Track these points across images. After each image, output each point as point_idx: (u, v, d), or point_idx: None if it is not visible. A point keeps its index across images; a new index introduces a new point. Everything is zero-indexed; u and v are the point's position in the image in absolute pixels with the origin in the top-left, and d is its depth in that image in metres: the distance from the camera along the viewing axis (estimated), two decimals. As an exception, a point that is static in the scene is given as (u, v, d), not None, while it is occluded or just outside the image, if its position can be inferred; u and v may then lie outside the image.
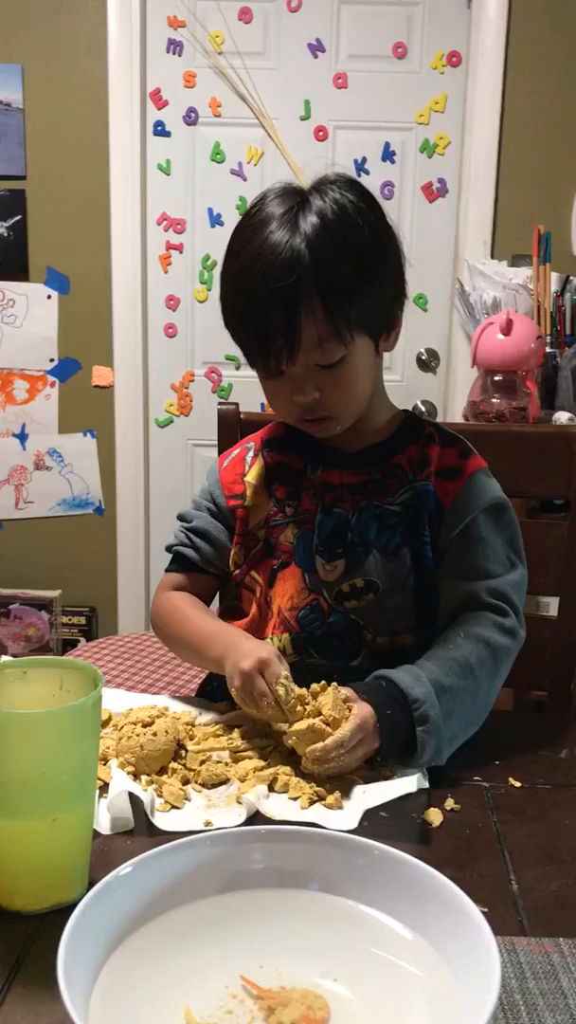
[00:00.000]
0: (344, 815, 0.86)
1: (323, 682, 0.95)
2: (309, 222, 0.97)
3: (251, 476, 1.17)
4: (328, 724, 0.91)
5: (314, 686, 0.95)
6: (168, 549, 1.22)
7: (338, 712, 0.91)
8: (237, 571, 1.17)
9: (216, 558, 1.19)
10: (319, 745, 0.89)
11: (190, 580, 1.20)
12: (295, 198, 1.00)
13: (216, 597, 1.27)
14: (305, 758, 0.91)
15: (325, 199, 0.99)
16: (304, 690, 0.95)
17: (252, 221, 1.01)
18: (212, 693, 1.19)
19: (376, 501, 1.10)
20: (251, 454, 1.19)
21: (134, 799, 0.85)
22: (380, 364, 1.10)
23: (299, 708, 0.94)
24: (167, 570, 1.22)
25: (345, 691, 0.94)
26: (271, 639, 1.12)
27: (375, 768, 0.94)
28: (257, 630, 1.14)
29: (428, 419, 1.17)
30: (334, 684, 0.94)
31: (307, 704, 0.94)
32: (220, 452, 1.27)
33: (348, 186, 1.02)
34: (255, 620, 1.15)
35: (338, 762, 0.90)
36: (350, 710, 0.92)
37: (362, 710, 0.92)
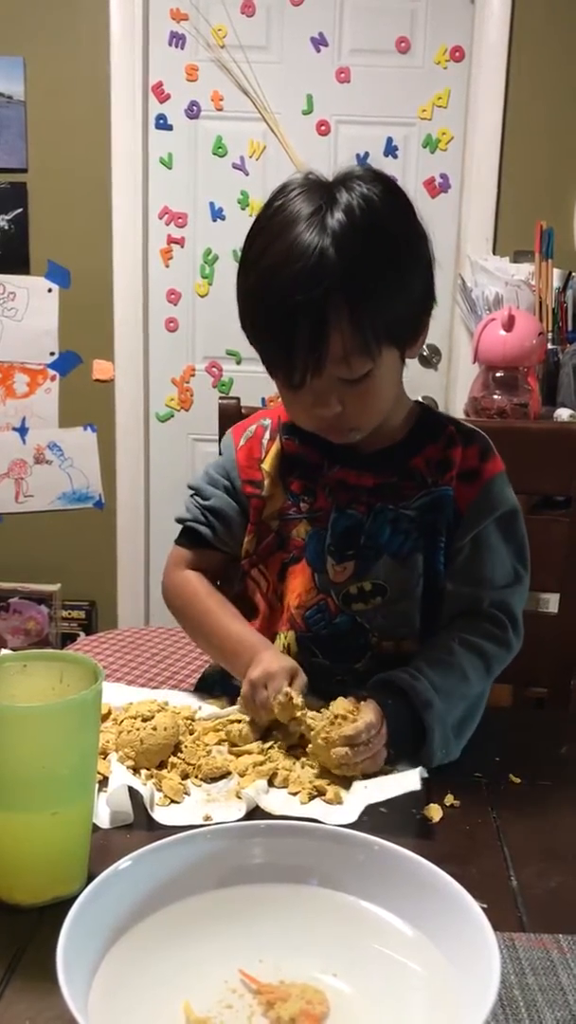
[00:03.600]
0: (344, 810, 0.86)
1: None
2: (337, 222, 0.91)
3: (268, 464, 1.13)
4: (344, 717, 0.91)
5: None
6: (180, 521, 1.19)
7: (350, 706, 0.93)
8: (245, 560, 1.15)
9: (229, 537, 1.16)
10: (349, 727, 0.89)
11: (200, 556, 1.18)
12: (321, 196, 0.93)
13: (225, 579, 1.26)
14: (334, 760, 0.90)
15: (353, 196, 0.92)
16: (300, 701, 0.95)
17: (276, 219, 0.94)
18: (212, 688, 1.18)
19: (391, 504, 1.07)
20: (267, 435, 1.15)
21: (133, 793, 0.85)
22: (402, 369, 1.06)
23: (295, 726, 0.95)
24: (177, 542, 1.20)
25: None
26: (280, 635, 1.11)
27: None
28: (269, 627, 1.13)
29: (445, 415, 1.15)
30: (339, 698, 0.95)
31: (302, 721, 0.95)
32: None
33: (375, 182, 0.96)
34: (266, 616, 1.14)
35: (369, 749, 0.90)
36: (357, 708, 0.93)
37: (371, 702, 0.93)
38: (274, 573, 1.13)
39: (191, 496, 1.19)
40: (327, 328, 0.92)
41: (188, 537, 1.18)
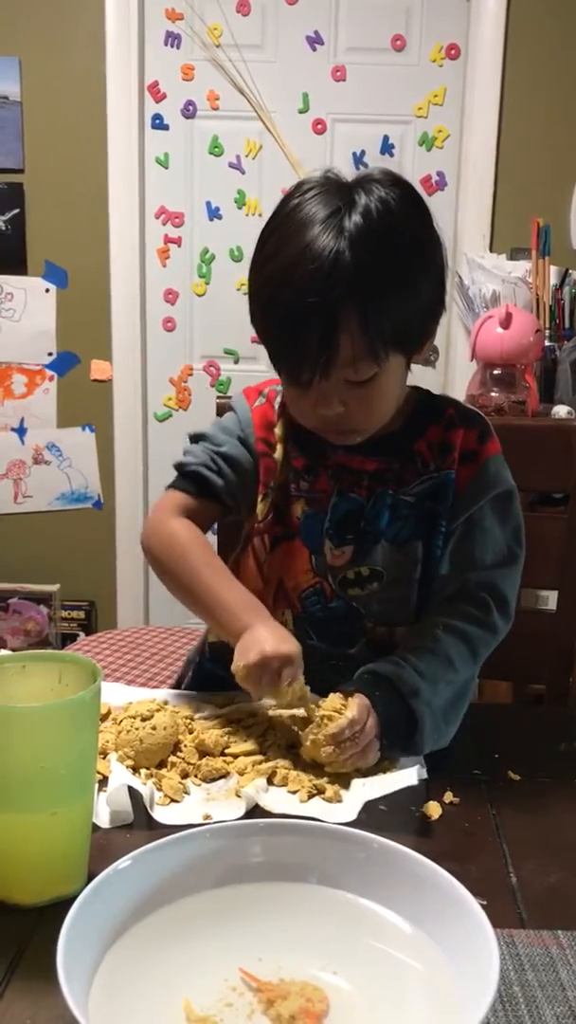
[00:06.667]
0: (343, 808, 0.86)
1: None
2: (355, 225, 0.90)
3: (279, 429, 1.11)
4: (330, 718, 0.91)
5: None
6: (182, 466, 1.11)
7: (339, 702, 0.93)
8: (259, 523, 1.11)
9: (238, 490, 1.11)
10: (333, 725, 0.89)
11: (199, 505, 1.10)
12: (339, 198, 0.92)
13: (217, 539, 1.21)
14: (324, 759, 0.90)
15: (371, 200, 0.92)
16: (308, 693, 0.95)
17: (293, 218, 0.93)
18: (208, 687, 1.18)
19: (391, 490, 1.07)
20: (279, 399, 1.11)
21: (133, 793, 0.85)
22: (407, 374, 1.05)
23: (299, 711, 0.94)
24: (174, 486, 1.12)
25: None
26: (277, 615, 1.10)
27: (379, 760, 0.95)
28: (261, 598, 1.09)
29: (444, 397, 1.13)
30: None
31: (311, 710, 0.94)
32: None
33: (394, 186, 0.95)
34: (259, 587, 1.11)
35: (355, 744, 0.90)
36: (346, 704, 0.93)
37: (358, 697, 0.93)
38: (266, 543, 1.12)
39: (198, 443, 1.12)
40: (338, 332, 0.91)
41: (190, 482, 1.11)
